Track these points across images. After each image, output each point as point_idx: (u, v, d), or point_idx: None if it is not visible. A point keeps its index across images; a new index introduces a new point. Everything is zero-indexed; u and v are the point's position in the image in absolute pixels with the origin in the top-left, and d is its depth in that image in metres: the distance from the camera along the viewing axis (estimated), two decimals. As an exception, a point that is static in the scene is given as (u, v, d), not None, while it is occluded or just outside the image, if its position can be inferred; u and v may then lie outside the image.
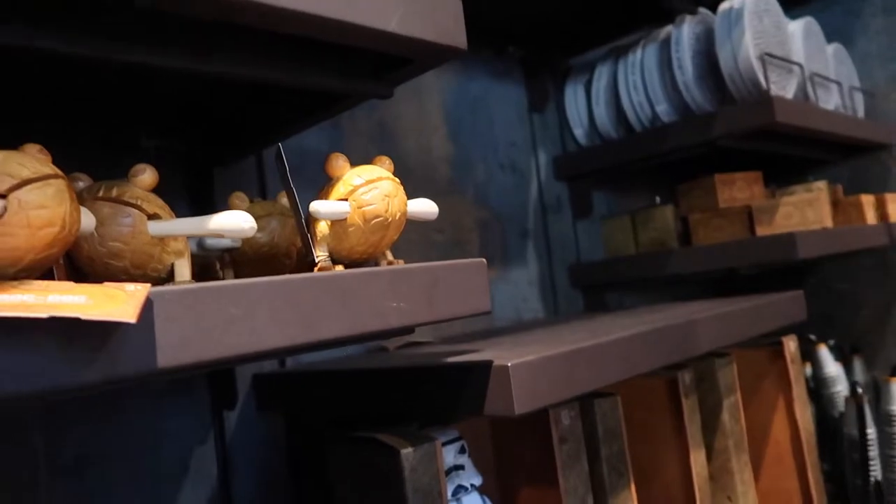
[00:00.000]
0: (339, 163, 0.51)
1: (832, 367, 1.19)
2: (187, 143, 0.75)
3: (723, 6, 1.11)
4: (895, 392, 1.07)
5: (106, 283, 0.34)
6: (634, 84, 1.18)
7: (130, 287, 0.33)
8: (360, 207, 0.49)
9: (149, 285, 0.34)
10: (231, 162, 0.77)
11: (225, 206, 0.60)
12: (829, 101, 1.30)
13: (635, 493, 0.66)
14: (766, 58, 1.06)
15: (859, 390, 1.08)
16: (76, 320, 0.29)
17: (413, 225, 0.52)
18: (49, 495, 0.61)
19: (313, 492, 0.73)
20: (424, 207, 0.53)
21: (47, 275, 0.39)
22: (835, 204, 1.27)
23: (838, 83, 1.34)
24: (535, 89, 1.22)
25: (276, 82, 0.52)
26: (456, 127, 1.06)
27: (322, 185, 0.52)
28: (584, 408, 0.64)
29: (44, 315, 0.28)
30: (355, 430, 0.59)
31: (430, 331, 0.94)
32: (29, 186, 0.35)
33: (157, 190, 0.44)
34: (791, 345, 0.91)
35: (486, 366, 0.50)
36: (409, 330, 0.48)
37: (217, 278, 0.59)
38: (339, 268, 0.49)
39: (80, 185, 0.46)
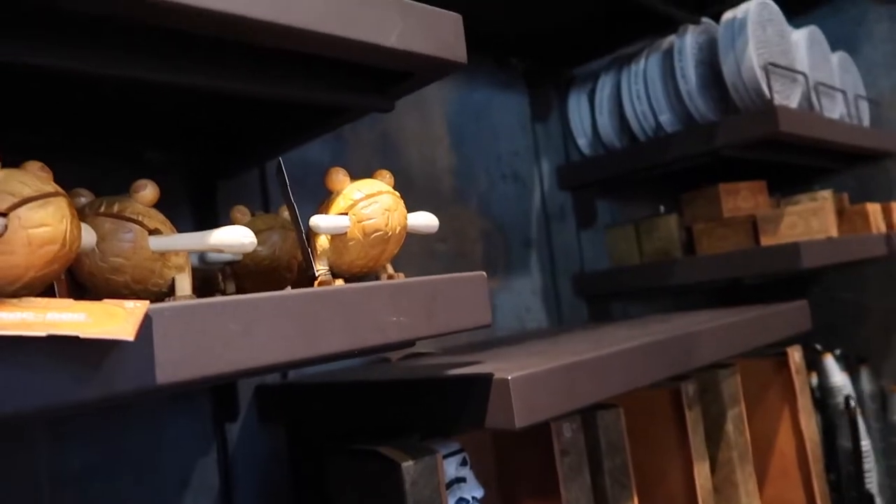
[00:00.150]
0: (339, 177, 0.51)
1: (838, 377, 1.19)
2: (190, 155, 0.75)
3: (726, 16, 1.11)
4: (902, 402, 1.06)
5: (105, 300, 0.34)
6: (638, 93, 1.18)
7: (129, 304, 0.33)
8: (360, 221, 0.49)
9: (147, 302, 0.34)
10: (234, 174, 0.77)
11: (228, 218, 0.60)
12: (834, 109, 1.29)
13: (638, 506, 0.66)
14: (770, 67, 1.06)
15: (852, 403, 1.08)
16: (75, 338, 0.30)
17: (415, 235, 0.53)
18: (52, 507, 0.61)
19: (315, 504, 0.73)
20: (425, 221, 0.53)
21: (48, 290, 0.39)
22: (840, 213, 1.27)
23: (843, 92, 1.33)
24: (539, 99, 1.23)
25: (276, 98, 0.53)
26: (459, 137, 1.07)
27: (325, 196, 0.52)
28: (586, 420, 0.64)
29: (42, 334, 0.28)
30: (357, 443, 0.59)
31: (432, 341, 0.94)
32: (30, 204, 0.35)
33: (161, 202, 0.44)
34: (796, 355, 0.91)
35: (487, 379, 0.50)
36: (409, 343, 0.48)
37: (219, 291, 0.60)
38: (340, 282, 0.49)
39: (82, 200, 0.47)
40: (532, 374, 0.50)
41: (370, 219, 0.49)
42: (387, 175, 0.53)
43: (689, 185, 1.28)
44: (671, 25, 1.14)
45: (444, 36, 0.53)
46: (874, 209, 1.28)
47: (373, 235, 0.49)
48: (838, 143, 1.18)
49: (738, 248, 1.16)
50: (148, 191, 0.45)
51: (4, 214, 0.34)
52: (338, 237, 0.49)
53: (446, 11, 0.53)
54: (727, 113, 1.13)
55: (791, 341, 0.93)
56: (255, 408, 0.75)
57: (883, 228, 1.30)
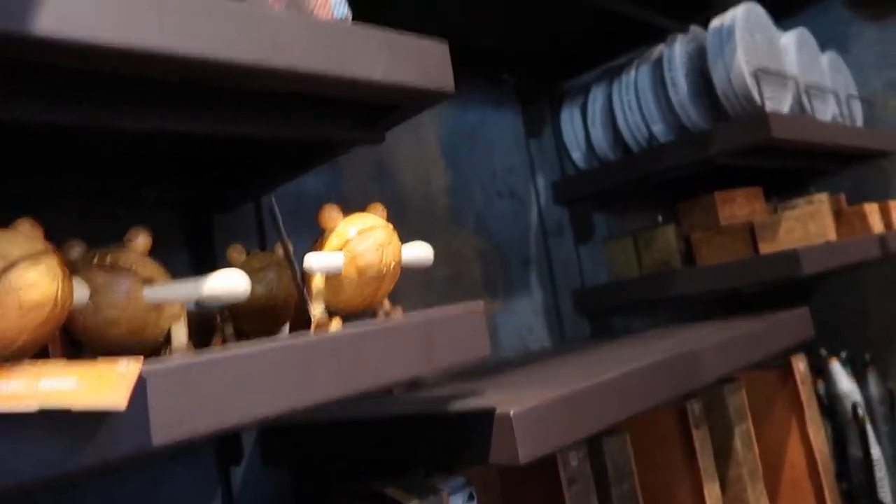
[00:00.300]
0: (331, 214, 0.50)
1: (845, 384, 1.17)
2: (186, 191, 0.75)
3: (714, 23, 1.11)
4: (910, 404, 1.05)
5: (99, 361, 0.34)
6: (629, 104, 1.18)
7: (122, 366, 0.33)
8: (354, 259, 0.48)
9: (141, 361, 0.33)
10: (230, 208, 0.77)
11: (224, 255, 0.60)
12: (826, 111, 1.29)
13: (649, 529, 0.65)
14: (760, 73, 1.06)
15: (860, 412, 1.07)
16: (67, 407, 0.29)
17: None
18: (56, 557, 0.60)
19: (323, 542, 0.73)
20: (419, 254, 0.53)
21: (43, 349, 0.39)
22: (838, 214, 1.27)
23: (835, 92, 1.33)
24: (531, 114, 1.23)
25: (266, 138, 0.53)
26: (453, 157, 1.07)
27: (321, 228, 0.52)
28: (592, 447, 0.63)
29: (34, 408, 0.28)
30: (362, 481, 0.58)
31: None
32: (19, 266, 0.35)
33: (157, 239, 0.44)
34: (800, 364, 0.90)
35: (489, 414, 0.49)
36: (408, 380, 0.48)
37: (217, 331, 0.59)
38: (336, 320, 0.48)
39: (77, 251, 0.46)
40: (534, 408, 0.50)
41: (364, 256, 0.48)
42: (379, 208, 0.53)
43: (685, 194, 1.27)
44: (660, 34, 1.14)
45: (430, 66, 0.53)
46: (872, 209, 1.27)
47: (368, 274, 0.48)
48: (831, 144, 1.18)
49: (737, 256, 1.15)
50: (140, 239, 0.45)
51: (-7, 280, 0.33)
52: (333, 276, 0.49)
53: (432, 41, 0.53)
54: (719, 120, 1.12)
55: (795, 348, 0.92)
56: (258, 450, 0.74)
57: (881, 228, 1.30)
